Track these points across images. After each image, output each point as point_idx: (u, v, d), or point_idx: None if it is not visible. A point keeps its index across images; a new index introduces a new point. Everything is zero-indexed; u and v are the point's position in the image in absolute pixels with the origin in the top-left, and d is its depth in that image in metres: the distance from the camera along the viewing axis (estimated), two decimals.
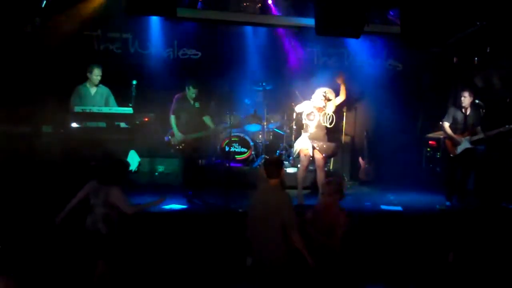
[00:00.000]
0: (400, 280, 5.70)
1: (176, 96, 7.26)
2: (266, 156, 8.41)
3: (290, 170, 8.26)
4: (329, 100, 6.89)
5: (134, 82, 6.86)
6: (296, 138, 7.66)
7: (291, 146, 8.66)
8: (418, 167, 8.85)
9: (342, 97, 7.02)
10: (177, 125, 7.16)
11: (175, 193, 7.11)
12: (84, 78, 6.91)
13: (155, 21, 8.76)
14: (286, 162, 8.50)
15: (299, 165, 7.27)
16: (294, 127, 8.65)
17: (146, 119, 7.08)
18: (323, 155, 6.87)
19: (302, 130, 7.12)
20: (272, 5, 8.72)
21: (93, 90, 6.89)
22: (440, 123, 7.48)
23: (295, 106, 7.32)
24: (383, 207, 7.13)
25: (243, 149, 8.71)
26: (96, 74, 6.82)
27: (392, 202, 7.39)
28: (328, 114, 6.85)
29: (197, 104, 7.25)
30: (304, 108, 6.94)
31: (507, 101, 8.23)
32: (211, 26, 9.06)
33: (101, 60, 7.53)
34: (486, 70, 8.38)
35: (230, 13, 8.34)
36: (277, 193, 4.63)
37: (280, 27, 9.09)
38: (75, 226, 5.52)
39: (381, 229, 6.27)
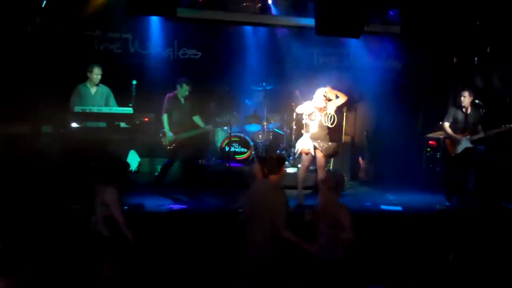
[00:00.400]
0: (400, 280, 5.70)
1: (168, 95, 7.33)
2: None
3: (290, 170, 8.25)
4: (329, 100, 6.90)
5: (134, 82, 6.86)
6: (296, 138, 7.66)
7: (291, 146, 8.66)
8: (418, 167, 8.84)
9: (342, 99, 7.01)
10: (169, 125, 7.19)
11: (175, 193, 7.12)
12: (84, 78, 6.91)
13: (155, 21, 8.77)
14: (286, 162, 8.50)
15: (299, 165, 7.27)
16: (294, 127, 8.65)
17: (146, 119, 7.08)
18: (325, 155, 6.88)
19: (302, 130, 7.11)
20: (272, 5, 8.72)
21: (93, 89, 6.90)
22: (440, 123, 7.48)
23: (296, 106, 7.32)
24: (383, 207, 7.13)
25: (243, 149, 8.71)
26: (96, 73, 6.83)
27: (392, 202, 7.39)
28: (330, 114, 6.86)
29: (188, 103, 7.33)
30: (305, 109, 6.94)
31: (507, 101, 8.23)
32: (211, 26, 9.07)
33: (101, 60, 7.53)
34: (486, 70, 8.37)
35: (230, 13, 8.33)
36: (274, 190, 4.65)
37: (280, 27, 9.09)
38: (77, 228, 5.56)
39: (381, 229, 6.27)
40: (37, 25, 7.27)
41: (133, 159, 7.11)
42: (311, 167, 7.36)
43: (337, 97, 6.99)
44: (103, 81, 6.94)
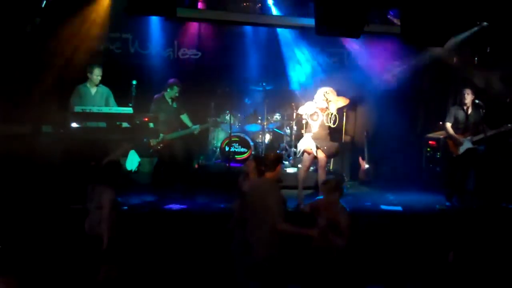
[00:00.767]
0: (400, 280, 5.70)
1: (155, 96, 7.35)
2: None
3: (290, 170, 8.26)
4: (329, 100, 6.89)
5: (134, 82, 6.87)
6: (296, 138, 7.66)
7: (291, 146, 8.67)
8: (418, 167, 8.84)
9: (343, 102, 7.01)
10: (156, 126, 7.18)
11: (174, 193, 7.12)
12: (84, 78, 6.91)
13: (155, 21, 8.77)
14: (286, 162, 8.51)
15: (299, 165, 7.27)
16: (294, 127, 8.66)
17: (146, 119, 7.09)
18: (327, 155, 6.88)
19: (303, 131, 7.11)
20: (272, 5, 8.71)
21: (93, 90, 6.89)
22: (440, 123, 7.48)
23: (296, 106, 7.32)
24: (383, 207, 7.13)
25: (243, 149, 8.72)
26: (97, 74, 6.82)
27: (392, 202, 7.39)
28: (332, 114, 6.85)
29: (175, 104, 7.36)
30: (307, 109, 6.94)
31: (507, 101, 8.23)
32: (211, 26, 9.07)
33: (101, 60, 7.53)
34: (486, 70, 8.37)
35: (230, 13, 8.33)
36: (269, 187, 4.69)
37: (280, 27, 9.09)
38: (77, 228, 5.55)
39: (381, 229, 6.26)
40: (37, 25, 7.27)
41: (133, 159, 7.10)
42: (311, 167, 7.36)
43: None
44: (103, 81, 6.94)
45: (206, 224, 6.15)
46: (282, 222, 4.54)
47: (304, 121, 7.04)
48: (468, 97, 7.13)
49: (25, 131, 6.79)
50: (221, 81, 8.91)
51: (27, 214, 5.81)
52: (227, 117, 8.34)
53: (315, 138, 6.87)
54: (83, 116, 6.46)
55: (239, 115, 8.98)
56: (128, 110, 6.64)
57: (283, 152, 8.79)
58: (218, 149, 8.80)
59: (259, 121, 8.90)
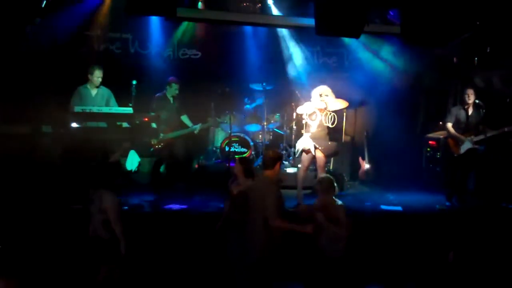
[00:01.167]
0: (400, 280, 5.70)
1: (157, 95, 7.40)
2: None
3: (290, 170, 8.25)
4: (325, 101, 6.86)
5: (134, 82, 6.86)
6: (296, 138, 7.65)
7: (291, 146, 8.66)
8: (418, 167, 8.84)
9: (342, 105, 6.99)
10: (157, 124, 7.22)
11: (174, 193, 7.12)
12: (84, 78, 6.90)
13: (155, 21, 8.77)
14: (286, 162, 8.50)
15: (299, 165, 7.26)
16: (294, 127, 8.65)
17: (146, 119, 7.09)
18: (325, 154, 6.87)
19: (302, 130, 7.11)
20: (272, 5, 8.71)
21: (94, 91, 6.88)
22: (441, 123, 7.47)
23: (296, 106, 7.31)
24: (383, 207, 7.13)
25: (243, 149, 8.71)
26: (97, 75, 6.81)
27: (392, 202, 7.39)
28: (330, 114, 6.84)
29: (176, 103, 7.40)
30: (305, 109, 6.94)
31: (507, 101, 8.23)
32: (211, 26, 9.07)
33: (101, 60, 7.53)
34: (486, 70, 8.37)
35: (230, 13, 8.33)
36: (267, 185, 4.68)
37: (280, 27, 9.09)
38: (77, 228, 5.56)
39: (381, 229, 6.26)
40: (37, 25, 7.27)
41: (133, 159, 7.10)
42: (311, 167, 7.36)
43: (337, 97, 6.98)
44: (103, 81, 6.93)
45: (206, 224, 6.15)
46: (277, 219, 4.54)
47: (303, 121, 7.03)
48: (471, 97, 7.13)
49: (25, 131, 6.79)
50: (221, 81, 8.91)
51: (27, 214, 5.81)
52: (227, 117, 8.35)
53: (313, 138, 6.86)
54: (83, 116, 6.46)
55: (239, 115, 8.98)
56: (128, 110, 6.64)
57: (283, 152, 8.78)
58: (218, 149, 8.80)
59: (259, 121, 8.90)
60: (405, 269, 5.74)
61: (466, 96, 7.16)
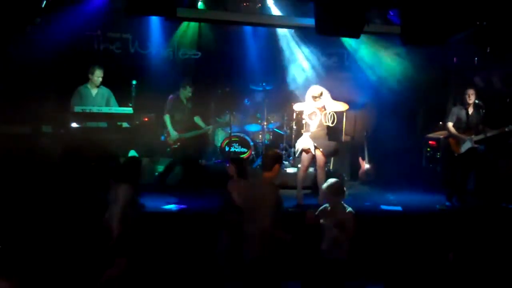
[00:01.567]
0: (400, 280, 5.70)
1: (171, 96, 7.44)
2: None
3: (290, 170, 8.25)
4: (315, 98, 6.83)
5: (134, 82, 6.88)
6: (296, 138, 7.65)
7: (291, 146, 8.66)
8: (418, 167, 8.84)
9: (341, 106, 6.98)
10: (171, 124, 7.28)
11: (175, 193, 7.12)
12: (84, 78, 6.90)
13: (155, 21, 8.77)
14: (286, 162, 8.50)
15: (299, 165, 7.26)
16: (294, 127, 8.65)
17: (146, 119, 7.11)
18: (325, 154, 6.87)
19: (302, 130, 7.11)
20: (272, 5, 8.71)
21: (94, 91, 6.89)
22: (441, 123, 7.47)
23: (295, 107, 7.31)
24: (383, 207, 7.13)
25: (243, 149, 8.72)
26: (98, 75, 6.82)
27: (392, 202, 7.38)
28: (330, 113, 6.84)
29: (189, 105, 7.45)
30: (302, 106, 6.93)
31: (507, 101, 8.23)
32: (211, 26, 9.07)
33: (101, 60, 7.54)
34: (486, 70, 8.37)
35: (230, 13, 8.33)
36: (266, 187, 4.66)
37: (280, 27, 9.09)
38: (77, 228, 5.56)
39: (381, 229, 6.26)
40: (37, 25, 7.27)
41: None
42: (311, 167, 7.36)
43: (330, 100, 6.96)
44: (103, 81, 6.93)
45: (205, 224, 6.15)
46: (277, 229, 4.53)
47: (303, 121, 7.03)
48: (472, 97, 7.13)
49: (25, 131, 6.79)
50: (221, 81, 8.91)
51: (27, 214, 5.81)
52: (228, 118, 8.37)
53: (313, 138, 6.85)
54: (83, 116, 6.47)
55: (239, 115, 8.98)
56: (128, 110, 6.65)
57: (283, 152, 8.78)
58: (218, 149, 8.81)
59: (259, 121, 8.90)
60: (405, 269, 5.74)
61: (467, 96, 7.16)
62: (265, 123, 8.78)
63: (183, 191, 7.21)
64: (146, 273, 5.40)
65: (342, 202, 4.99)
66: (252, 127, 8.98)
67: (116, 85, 7.11)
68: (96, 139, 6.40)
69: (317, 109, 6.86)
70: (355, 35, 6.69)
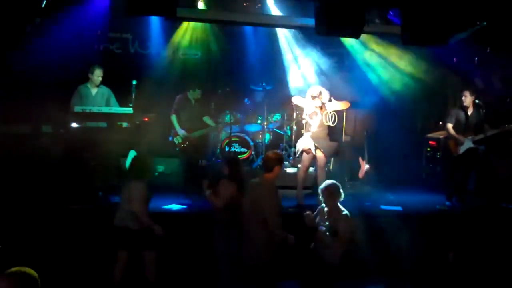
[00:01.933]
0: (400, 279, 5.70)
1: (178, 96, 7.43)
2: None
3: (290, 170, 8.25)
4: (314, 98, 6.84)
5: (134, 82, 6.87)
6: (296, 138, 7.65)
7: (291, 146, 8.66)
8: (418, 167, 8.84)
9: (342, 106, 6.98)
10: (178, 123, 7.27)
11: (175, 193, 7.12)
12: (84, 78, 6.90)
13: (155, 21, 8.77)
14: (286, 162, 8.50)
15: (299, 165, 7.26)
16: (294, 127, 8.65)
17: (146, 119, 7.10)
18: (326, 154, 6.87)
19: (303, 130, 7.10)
20: (272, 5, 8.71)
21: (94, 90, 6.88)
22: (440, 123, 7.47)
23: (296, 107, 7.29)
24: (383, 207, 7.12)
25: (243, 149, 8.71)
26: (98, 74, 6.81)
27: (392, 202, 7.38)
28: (330, 112, 6.84)
29: (197, 104, 7.42)
30: (301, 101, 6.93)
31: (507, 101, 8.23)
32: (211, 26, 9.07)
33: (101, 60, 7.54)
34: (486, 70, 8.37)
35: (230, 13, 8.33)
36: (265, 189, 4.66)
37: (280, 27, 9.09)
38: (77, 228, 5.56)
39: (381, 229, 6.26)
40: (37, 25, 7.27)
41: None
42: (311, 167, 7.36)
43: (330, 100, 6.95)
44: (103, 81, 6.93)
45: (205, 224, 6.14)
46: (276, 227, 4.53)
47: (303, 121, 7.02)
48: (467, 99, 7.14)
49: (25, 131, 6.79)
50: (221, 81, 8.91)
51: (27, 214, 5.81)
52: (229, 118, 8.37)
53: (313, 138, 6.84)
54: (83, 116, 6.46)
55: (239, 115, 8.98)
56: (128, 110, 6.64)
57: (283, 152, 8.78)
58: (218, 149, 8.80)
59: (259, 121, 8.90)
60: (405, 269, 5.74)
61: (463, 97, 7.17)
62: (265, 123, 8.78)
63: (183, 191, 7.20)
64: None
65: (339, 204, 4.98)
66: (252, 127, 8.98)
67: (116, 85, 7.10)
68: (96, 139, 6.39)
69: (318, 109, 6.86)
70: (355, 35, 6.68)
